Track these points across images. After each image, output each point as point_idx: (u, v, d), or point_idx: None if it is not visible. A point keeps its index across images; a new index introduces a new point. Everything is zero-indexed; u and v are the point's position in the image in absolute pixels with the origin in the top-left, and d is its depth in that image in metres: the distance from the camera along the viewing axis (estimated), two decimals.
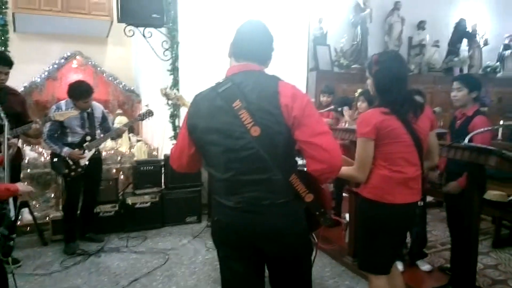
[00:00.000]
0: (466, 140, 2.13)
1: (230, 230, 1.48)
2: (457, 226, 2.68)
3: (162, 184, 4.14)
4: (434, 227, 4.01)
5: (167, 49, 4.26)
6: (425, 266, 3.04)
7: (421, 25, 6.84)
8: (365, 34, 6.43)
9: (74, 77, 5.57)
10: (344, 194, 4.00)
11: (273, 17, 4.70)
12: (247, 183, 1.41)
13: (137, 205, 3.94)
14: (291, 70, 5.02)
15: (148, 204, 3.98)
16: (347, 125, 3.66)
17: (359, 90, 3.76)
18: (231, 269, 1.54)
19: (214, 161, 1.48)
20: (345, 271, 3.14)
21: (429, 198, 4.18)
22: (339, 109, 3.98)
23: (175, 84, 4.19)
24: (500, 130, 5.51)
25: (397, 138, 1.84)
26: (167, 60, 4.26)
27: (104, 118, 3.61)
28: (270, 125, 1.37)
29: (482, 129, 2.24)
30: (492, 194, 3.50)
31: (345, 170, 1.97)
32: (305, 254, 1.54)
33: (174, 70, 4.20)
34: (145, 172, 4.03)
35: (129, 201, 3.92)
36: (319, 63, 6.24)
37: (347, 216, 3.43)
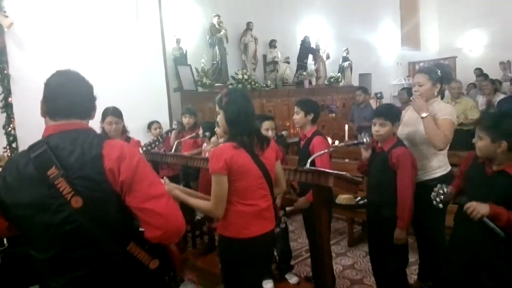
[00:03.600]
0: (308, 164, 2.31)
1: None
2: (313, 236, 2.90)
3: (4, 241, 3.51)
4: (299, 234, 4.29)
5: None
6: (292, 279, 3.21)
7: (272, 44, 7.39)
8: (223, 53, 6.64)
9: None
10: None
11: (119, 40, 4.50)
12: (75, 261, 1.23)
13: None
14: (150, 92, 4.86)
15: None
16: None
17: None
18: None
19: (32, 239, 1.26)
20: None
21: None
22: (206, 134, 3.91)
23: (9, 122, 3.63)
24: (346, 133, 6.33)
25: (247, 172, 1.89)
26: None
27: None
28: (94, 194, 1.21)
29: (320, 152, 2.47)
30: (342, 198, 3.91)
31: (203, 204, 1.98)
32: None
33: (7, 106, 3.63)
34: None
35: None
36: (182, 83, 6.21)
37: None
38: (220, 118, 2.02)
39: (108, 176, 1.22)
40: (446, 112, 2.45)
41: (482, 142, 1.88)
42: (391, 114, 2.41)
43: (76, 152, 1.24)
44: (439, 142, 2.38)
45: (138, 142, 3.28)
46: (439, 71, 2.47)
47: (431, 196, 2.00)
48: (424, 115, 2.40)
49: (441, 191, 1.99)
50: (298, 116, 2.81)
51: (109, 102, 3.33)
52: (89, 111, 1.39)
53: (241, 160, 1.87)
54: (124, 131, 3.28)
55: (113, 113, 3.17)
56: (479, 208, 1.77)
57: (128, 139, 3.27)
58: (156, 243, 1.29)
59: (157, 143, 3.10)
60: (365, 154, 2.57)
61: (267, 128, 3.03)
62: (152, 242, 1.28)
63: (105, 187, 1.22)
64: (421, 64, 10.92)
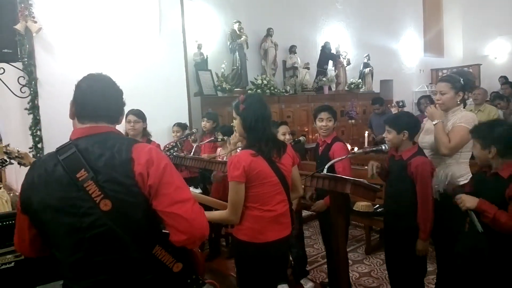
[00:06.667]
0: (325, 170, 2.30)
1: None
2: (329, 242, 2.88)
3: None
4: (315, 240, 4.26)
5: (24, 85, 3.81)
6: (308, 285, 3.20)
7: (292, 49, 7.40)
8: (243, 59, 6.71)
9: None
10: None
11: (143, 45, 4.61)
12: (100, 264, 1.23)
13: None
14: (171, 96, 4.96)
15: (12, 264, 3.43)
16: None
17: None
18: None
19: (56, 242, 1.27)
20: None
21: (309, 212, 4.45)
22: (224, 138, 3.93)
23: (36, 124, 3.77)
24: (366, 139, 6.27)
25: (265, 179, 1.91)
26: (25, 97, 3.82)
27: None
28: (123, 197, 1.21)
29: (337, 159, 2.47)
30: (360, 205, 3.88)
31: (218, 214, 2.02)
32: None
33: (34, 108, 3.77)
34: (5, 227, 3.47)
35: None
36: (202, 88, 6.30)
37: None
38: (237, 123, 2.04)
39: (137, 181, 1.22)
40: (464, 120, 2.41)
41: (475, 149, 2.01)
42: (395, 122, 2.42)
43: (105, 155, 1.24)
44: (442, 148, 2.39)
45: (158, 146, 3.33)
46: (462, 79, 2.43)
47: (434, 181, 2.08)
48: (435, 122, 2.42)
49: (444, 178, 2.06)
50: (330, 123, 2.83)
51: (132, 105, 3.42)
52: (117, 116, 1.40)
53: (259, 167, 1.89)
54: (145, 133, 3.34)
55: (134, 112, 3.25)
56: (466, 201, 1.93)
57: (149, 142, 3.34)
58: (180, 246, 1.29)
59: (175, 148, 3.13)
60: (370, 171, 2.57)
61: (284, 133, 3.04)
62: (176, 246, 1.28)
63: (134, 191, 1.22)
64: (444, 71, 10.72)
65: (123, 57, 4.44)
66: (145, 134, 3.34)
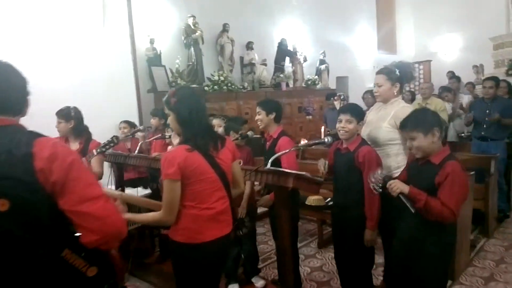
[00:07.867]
0: (269, 165, 2.26)
1: None
2: (277, 238, 2.85)
3: None
4: (269, 237, 4.18)
5: None
6: (259, 283, 3.14)
7: (249, 46, 7.36)
8: (199, 54, 6.58)
9: None
10: None
11: (85, 40, 4.39)
12: (0, 269, 1.13)
13: None
14: (118, 93, 4.76)
15: None
16: None
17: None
18: None
19: None
20: None
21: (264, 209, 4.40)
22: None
23: None
24: (322, 134, 6.33)
25: (202, 175, 1.82)
26: None
27: None
28: (23, 196, 1.11)
29: (283, 151, 2.43)
30: (312, 199, 3.89)
31: (151, 216, 1.91)
32: None
33: None
34: None
35: None
36: (156, 84, 6.12)
37: None
38: (171, 119, 1.94)
39: (38, 177, 1.13)
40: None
41: (417, 141, 1.97)
42: (357, 111, 2.40)
43: (2, 150, 1.13)
44: None
45: (99, 144, 3.14)
46: (398, 71, 2.47)
47: (371, 184, 2.07)
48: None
49: (380, 178, 2.06)
50: (260, 116, 2.77)
51: (71, 103, 3.22)
52: (20, 107, 1.27)
53: (196, 163, 1.80)
54: (79, 130, 3.11)
55: (57, 112, 3.08)
56: (399, 185, 1.97)
57: (88, 141, 3.14)
58: (93, 248, 1.20)
59: (111, 144, 2.96)
60: (322, 169, 2.53)
61: (247, 128, 3.01)
62: (89, 247, 1.19)
63: (34, 188, 1.13)
64: None
65: (62, 50, 4.21)
66: (79, 134, 3.12)
